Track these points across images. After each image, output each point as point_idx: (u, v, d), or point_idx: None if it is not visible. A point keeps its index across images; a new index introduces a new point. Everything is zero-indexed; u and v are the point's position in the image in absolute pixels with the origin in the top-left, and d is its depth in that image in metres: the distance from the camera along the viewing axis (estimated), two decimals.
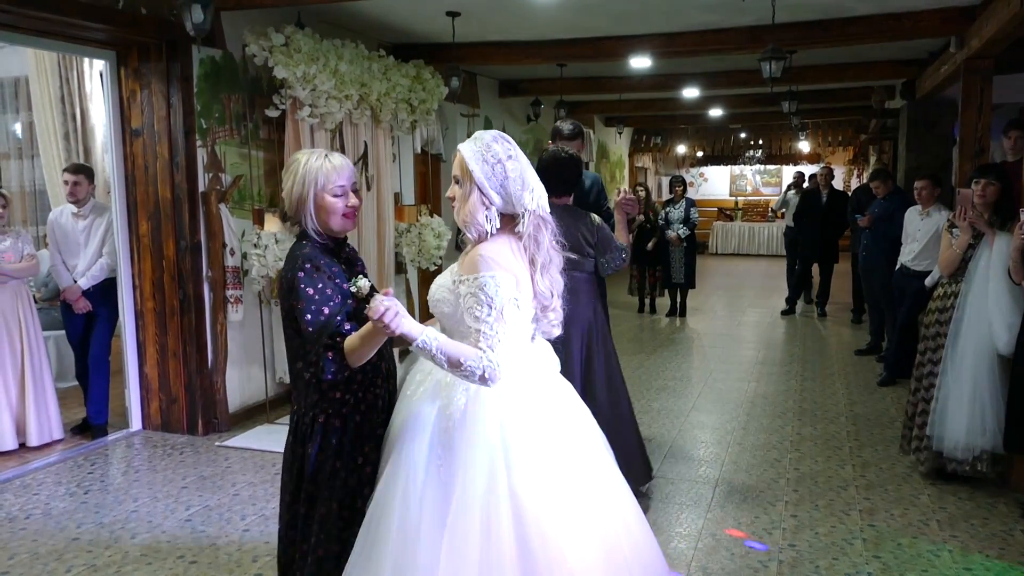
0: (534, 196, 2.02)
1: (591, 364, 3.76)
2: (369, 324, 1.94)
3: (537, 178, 2.06)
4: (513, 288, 1.96)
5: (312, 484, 2.20)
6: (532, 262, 2.02)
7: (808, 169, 13.64)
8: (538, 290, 2.01)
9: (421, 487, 1.94)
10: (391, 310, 1.85)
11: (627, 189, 3.92)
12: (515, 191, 2.00)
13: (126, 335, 5.13)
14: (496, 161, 2.00)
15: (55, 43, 4.68)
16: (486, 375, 1.91)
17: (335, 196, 2.15)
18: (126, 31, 4.62)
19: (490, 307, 1.92)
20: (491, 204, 2.02)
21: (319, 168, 2.14)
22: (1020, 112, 7.08)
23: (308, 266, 2.09)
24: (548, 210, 2.07)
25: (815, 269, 9.88)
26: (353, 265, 2.30)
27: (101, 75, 5.39)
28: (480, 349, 1.92)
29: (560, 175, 3.69)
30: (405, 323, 1.88)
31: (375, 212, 6.40)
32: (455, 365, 1.91)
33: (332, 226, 2.19)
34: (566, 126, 4.17)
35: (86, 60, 7.00)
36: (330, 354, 2.04)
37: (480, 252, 1.97)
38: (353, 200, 2.19)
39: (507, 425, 1.97)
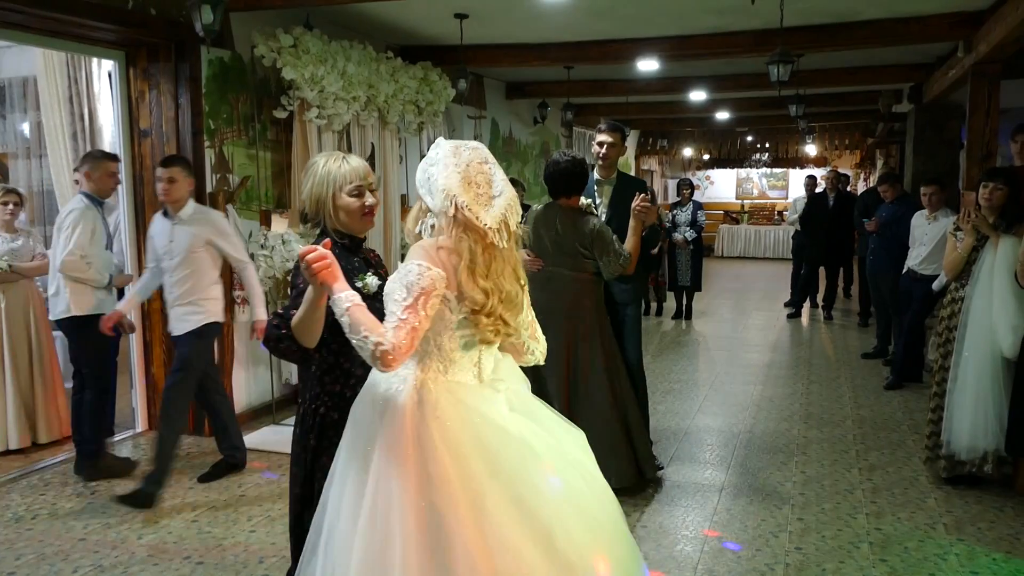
0: (447, 198, 1.96)
1: (575, 361, 3.94)
2: (308, 291, 2.02)
3: (459, 181, 1.98)
4: (439, 284, 1.93)
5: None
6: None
7: (817, 172, 13.56)
8: (464, 291, 1.96)
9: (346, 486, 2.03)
10: (320, 255, 1.91)
11: (645, 195, 3.95)
12: (435, 193, 2.00)
13: (132, 335, 5.13)
14: (429, 165, 2.04)
15: (64, 43, 4.70)
16: (377, 353, 1.86)
17: (352, 197, 2.24)
18: (135, 31, 4.64)
19: (407, 291, 1.89)
20: (429, 210, 2.05)
21: (337, 170, 2.24)
22: None
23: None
24: (468, 212, 1.95)
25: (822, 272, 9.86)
26: (377, 268, 2.38)
27: (110, 75, 5.41)
28: (384, 328, 1.89)
29: (551, 180, 3.98)
30: (329, 274, 1.93)
31: (382, 213, 6.42)
32: (354, 332, 1.90)
33: (351, 226, 2.28)
34: (601, 124, 4.34)
35: (95, 60, 7.03)
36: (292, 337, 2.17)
37: (419, 243, 2.01)
38: (370, 200, 2.27)
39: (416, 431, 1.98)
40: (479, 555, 1.85)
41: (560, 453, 2.07)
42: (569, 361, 3.95)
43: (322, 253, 1.93)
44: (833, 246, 9.54)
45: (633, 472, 4.03)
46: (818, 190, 10.18)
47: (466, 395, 2.01)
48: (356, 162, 2.28)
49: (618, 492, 2.27)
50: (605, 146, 4.21)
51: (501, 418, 2.02)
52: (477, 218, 1.95)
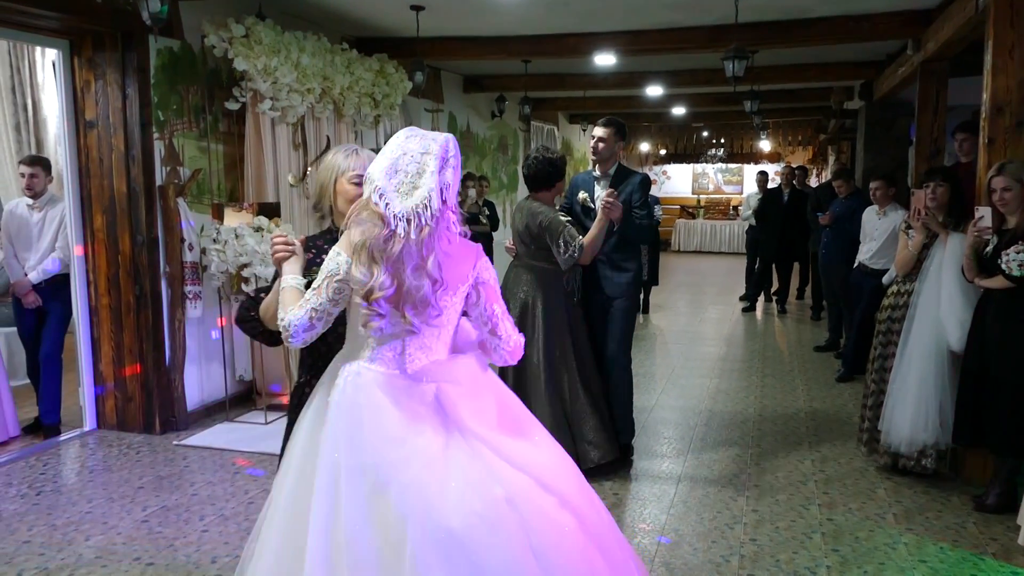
0: (369, 183, 1.99)
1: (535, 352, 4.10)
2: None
3: (385, 168, 1.97)
4: (343, 269, 1.96)
5: None
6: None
7: (770, 168, 13.76)
8: (352, 272, 1.99)
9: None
10: (283, 242, 2.14)
11: (612, 190, 4.00)
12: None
13: (80, 332, 5.00)
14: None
15: (5, 31, 4.53)
16: (280, 328, 2.01)
17: (352, 184, 2.30)
18: (80, 19, 4.49)
19: (320, 275, 1.99)
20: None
21: (343, 160, 2.34)
22: (972, 115, 7.24)
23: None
24: (379, 198, 1.95)
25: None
26: None
27: (54, 65, 5.25)
28: (293, 307, 2.01)
29: (524, 177, 4.20)
30: (284, 257, 2.14)
31: None
32: (279, 309, 2.05)
33: (347, 212, 2.29)
34: (600, 120, 4.39)
35: (38, 49, 6.81)
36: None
37: (346, 232, 2.03)
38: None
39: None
40: (330, 547, 1.87)
41: (467, 475, 1.90)
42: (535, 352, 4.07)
43: (289, 239, 2.16)
44: (787, 241, 9.69)
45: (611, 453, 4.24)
46: (771, 186, 10.32)
47: (375, 385, 1.98)
48: (365, 154, 2.34)
49: None
50: (595, 140, 4.28)
51: (400, 417, 1.95)
52: (388, 205, 1.94)
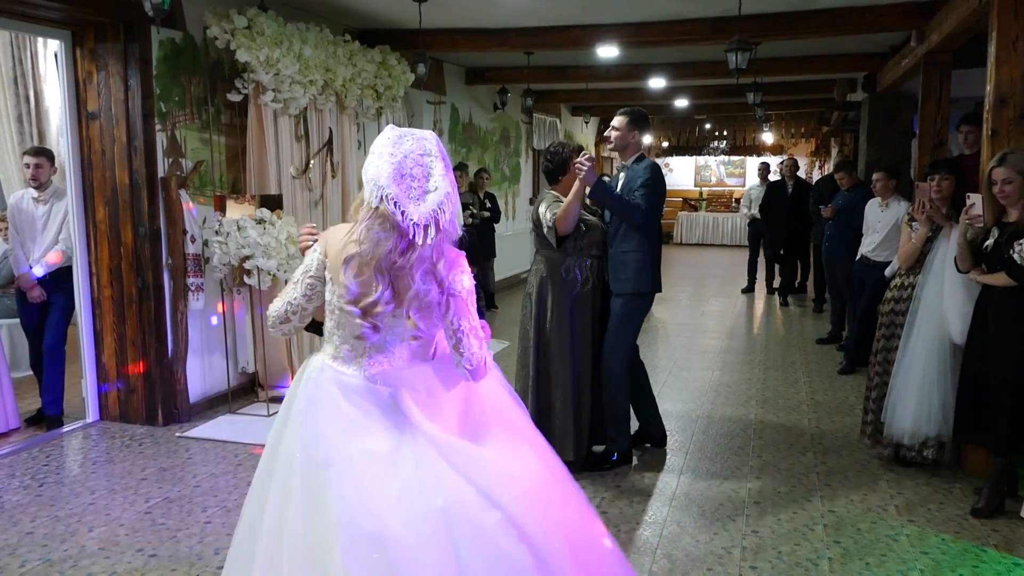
0: (375, 188, 1.92)
1: (527, 333, 4.21)
2: None
3: (390, 172, 1.92)
4: (315, 267, 2.03)
5: None
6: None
7: (772, 160, 13.74)
8: (337, 278, 2.02)
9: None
10: (308, 231, 2.20)
11: (587, 153, 4.03)
12: (366, 183, 1.96)
13: (82, 323, 5.00)
14: (370, 153, 2.01)
15: (7, 21, 4.52)
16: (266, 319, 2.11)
17: None
18: (82, 10, 4.48)
19: (299, 270, 2.07)
20: (364, 200, 2.11)
21: None
22: (975, 106, 7.22)
23: None
24: (393, 206, 1.88)
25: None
26: None
27: (56, 56, 5.24)
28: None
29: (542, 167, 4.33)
30: (306, 246, 2.18)
31: (339, 202, 6.33)
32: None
33: None
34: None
35: (40, 40, 6.80)
36: None
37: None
38: None
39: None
40: (278, 535, 1.92)
41: (414, 479, 1.87)
42: (528, 334, 4.20)
43: (312, 228, 2.21)
44: (792, 234, 9.69)
45: (579, 448, 4.18)
46: (774, 177, 10.32)
47: (332, 383, 1.99)
48: None
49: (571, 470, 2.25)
50: (609, 130, 4.30)
51: (352, 415, 1.94)
52: (403, 213, 1.88)
